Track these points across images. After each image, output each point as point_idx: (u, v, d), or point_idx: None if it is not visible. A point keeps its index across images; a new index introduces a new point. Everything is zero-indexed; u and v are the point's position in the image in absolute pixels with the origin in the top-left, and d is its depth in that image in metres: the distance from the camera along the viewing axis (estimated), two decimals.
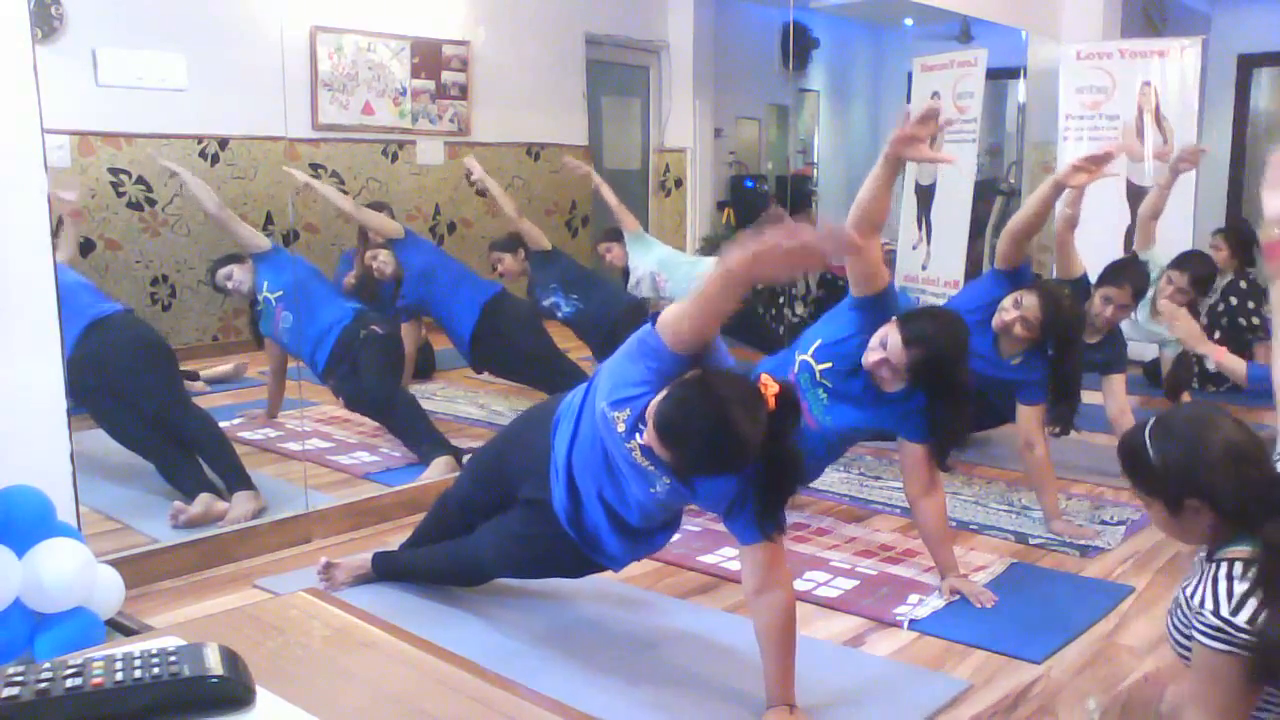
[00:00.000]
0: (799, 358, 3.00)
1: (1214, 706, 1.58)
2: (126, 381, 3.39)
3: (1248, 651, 1.51)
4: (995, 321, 3.41)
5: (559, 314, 5.02)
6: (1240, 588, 1.53)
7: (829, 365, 2.95)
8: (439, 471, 3.74)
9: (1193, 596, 1.58)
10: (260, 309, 4.14)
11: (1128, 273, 4.02)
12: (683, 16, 7.53)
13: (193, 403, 3.61)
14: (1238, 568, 1.55)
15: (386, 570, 2.87)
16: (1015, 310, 3.35)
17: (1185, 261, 4.74)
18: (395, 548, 2.93)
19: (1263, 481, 1.58)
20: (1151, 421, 1.68)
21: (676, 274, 5.21)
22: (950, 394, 2.81)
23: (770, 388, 2.00)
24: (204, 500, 3.24)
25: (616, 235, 5.43)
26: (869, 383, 2.87)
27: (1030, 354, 3.42)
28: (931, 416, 2.86)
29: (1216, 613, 1.53)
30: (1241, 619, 1.51)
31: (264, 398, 4.48)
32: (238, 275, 4.13)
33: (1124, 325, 4.67)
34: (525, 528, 2.52)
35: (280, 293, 4.07)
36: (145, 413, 3.42)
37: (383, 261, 4.67)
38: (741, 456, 1.98)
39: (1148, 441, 1.65)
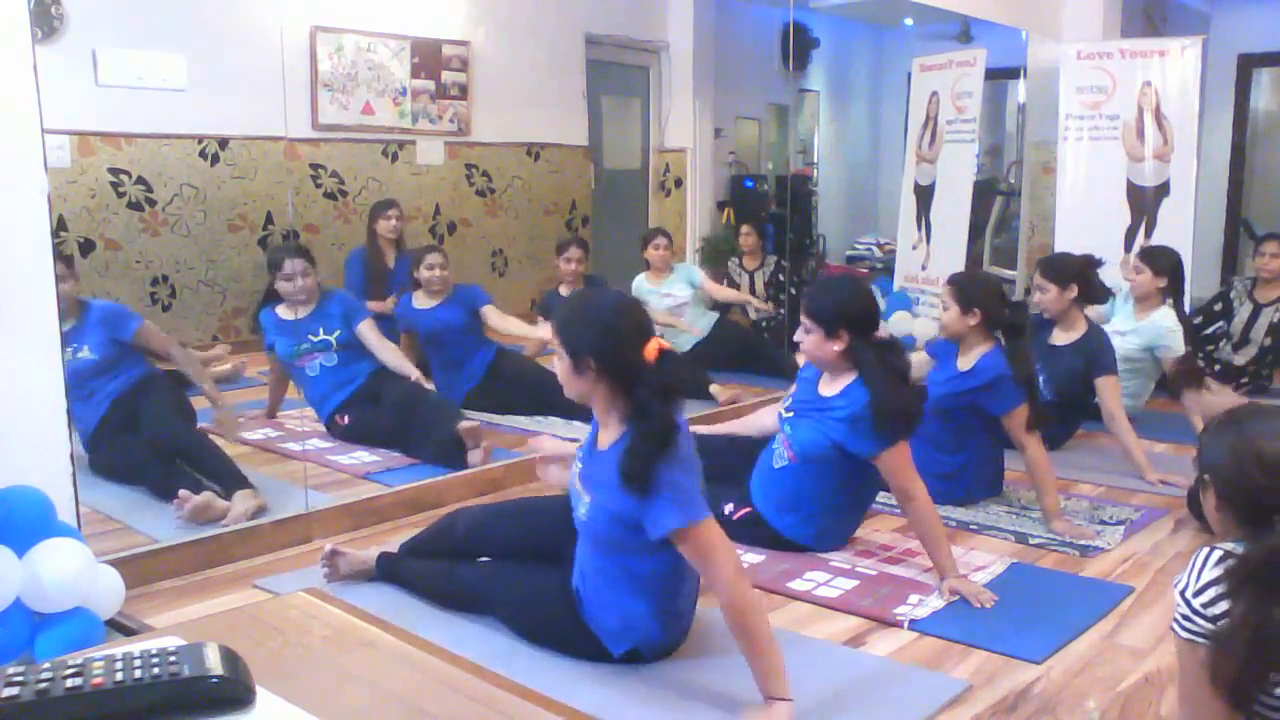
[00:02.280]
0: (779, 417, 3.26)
1: (1185, 697, 1.59)
2: (157, 435, 3.58)
3: (1205, 640, 1.52)
4: (941, 334, 3.66)
5: None
6: (1210, 574, 1.54)
7: (789, 400, 3.20)
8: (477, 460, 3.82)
9: (1179, 574, 1.60)
10: (311, 339, 4.12)
11: (1039, 262, 4.36)
12: (683, 16, 7.53)
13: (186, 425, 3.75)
14: (1216, 555, 1.56)
15: (389, 574, 2.87)
16: (941, 310, 3.60)
17: (1147, 252, 4.78)
18: (396, 548, 2.93)
19: (1274, 496, 1.58)
20: (1243, 406, 1.77)
21: (691, 314, 5.70)
22: (875, 355, 2.94)
23: (660, 343, 2.20)
24: (208, 495, 3.24)
25: (668, 234, 5.88)
26: (815, 391, 3.08)
27: (985, 355, 3.48)
28: (874, 407, 2.88)
29: (1183, 592, 1.54)
30: (1198, 602, 1.53)
31: (263, 398, 4.48)
32: (302, 283, 4.10)
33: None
34: (549, 582, 2.52)
35: (346, 347, 4.17)
36: (159, 451, 3.55)
37: (438, 274, 4.64)
38: (596, 320, 2.21)
39: (1218, 422, 1.70)
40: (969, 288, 3.55)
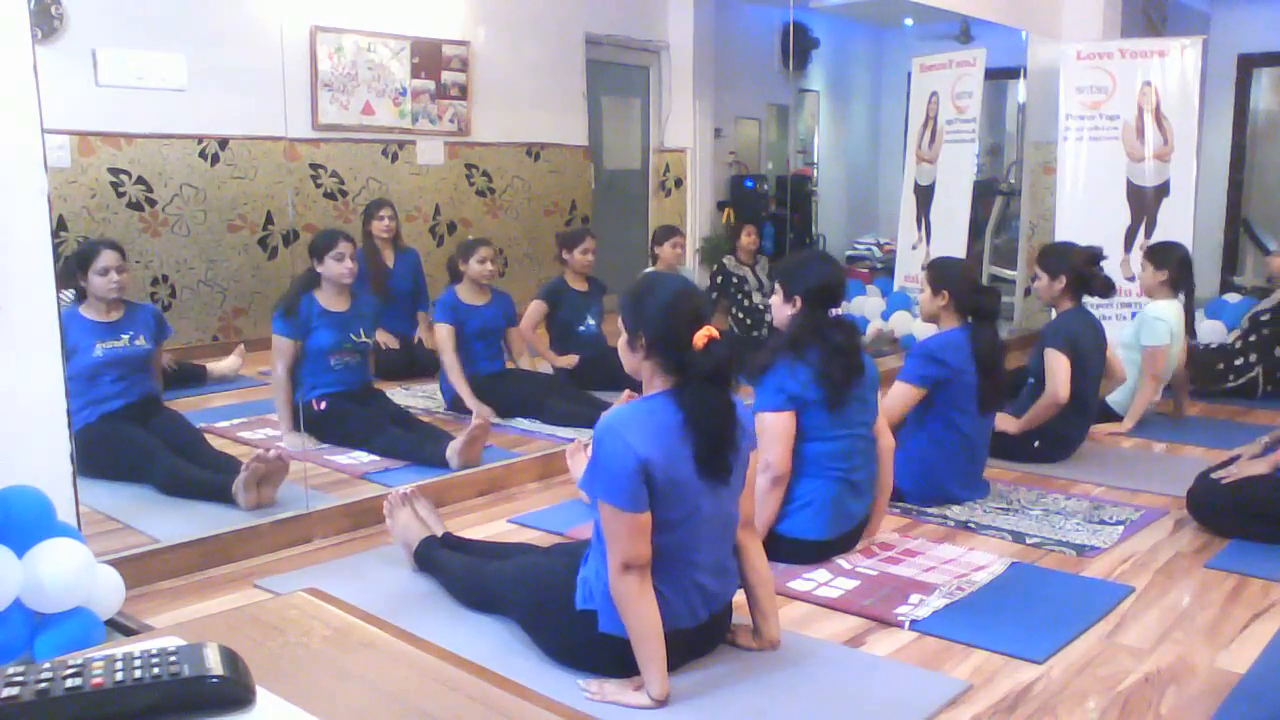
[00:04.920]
0: None
1: None
2: (178, 431, 3.72)
3: None
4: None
5: (592, 331, 5.22)
6: None
7: None
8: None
9: None
10: (354, 338, 4.10)
11: (1040, 249, 4.49)
12: (683, 16, 7.54)
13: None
14: None
15: (425, 559, 2.90)
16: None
17: (1150, 249, 4.80)
18: (440, 534, 2.97)
19: None
20: None
21: None
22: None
23: (711, 332, 2.24)
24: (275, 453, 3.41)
25: (684, 234, 5.95)
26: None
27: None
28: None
29: None
30: None
31: (262, 398, 4.45)
32: (352, 265, 4.03)
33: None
34: (557, 562, 2.53)
35: (369, 350, 4.22)
36: (175, 446, 3.65)
37: (489, 268, 4.63)
38: (656, 302, 2.27)
39: None
40: (938, 270, 3.64)
